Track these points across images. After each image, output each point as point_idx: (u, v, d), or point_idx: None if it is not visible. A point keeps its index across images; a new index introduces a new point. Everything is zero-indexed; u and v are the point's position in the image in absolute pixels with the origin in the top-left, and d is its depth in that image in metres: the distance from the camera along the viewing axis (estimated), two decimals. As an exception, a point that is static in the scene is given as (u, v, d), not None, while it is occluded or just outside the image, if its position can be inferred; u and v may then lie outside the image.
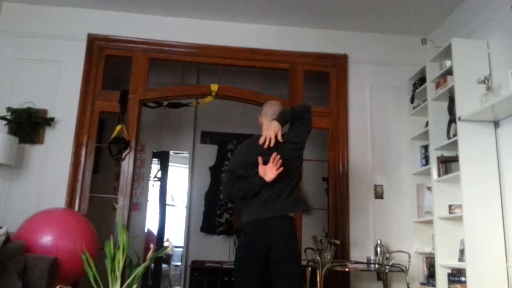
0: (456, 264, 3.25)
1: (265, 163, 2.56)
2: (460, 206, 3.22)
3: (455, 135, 3.34)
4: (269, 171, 2.50)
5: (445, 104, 3.55)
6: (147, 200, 6.01)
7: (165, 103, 4.35)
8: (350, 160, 4.06)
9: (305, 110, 2.69)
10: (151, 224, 6.39)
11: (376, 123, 4.18)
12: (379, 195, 4.04)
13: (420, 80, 4.00)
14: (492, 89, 3.13)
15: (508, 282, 2.98)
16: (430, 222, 3.67)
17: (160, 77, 4.91)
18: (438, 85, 3.61)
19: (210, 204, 5.79)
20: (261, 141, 2.58)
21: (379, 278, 3.84)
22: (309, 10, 3.99)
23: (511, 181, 3.07)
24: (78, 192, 3.76)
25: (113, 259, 2.82)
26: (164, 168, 6.62)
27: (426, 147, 3.88)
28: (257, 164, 2.56)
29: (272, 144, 2.54)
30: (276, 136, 2.57)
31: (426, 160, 3.88)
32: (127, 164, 3.88)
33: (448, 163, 3.51)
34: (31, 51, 3.97)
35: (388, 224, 3.98)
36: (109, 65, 4.13)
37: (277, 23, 4.24)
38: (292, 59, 4.23)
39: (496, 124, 3.22)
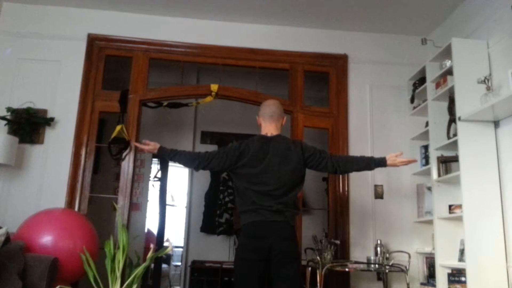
0: (456, 264, 3.25)
1: (261, 172, 2.55)
2: (460, 206, 3.22)
3: (455, 135, 3.34)
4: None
5: (445, 104, 3.55)
6: (147, 200, 6.00)
7: (165, 103, 4.35)
8: (350, 160, 4.05)
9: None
10: (151, 224, 6.38)
11: (376, 123, 4.18)
12: (379, 195, 4.04)
13: (420, 80, 4.00)
14: (492, 89, 3.12)
15: (508, 282, 2.98)
16: (430, 222, 3.67)
17: (160, 77, 4.90)
18: (438, 85, 3.61)
19: (210, 204, 5.79)
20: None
21: (379, 278, 3.84)
22: (309, 10, 3.99)
23: (511, 181, 3.07)
24: (78, 192, 3.76)
25: (113, 259, 2.83)
26: (164, 168, 6.60)
27: (426, 147, 3.88)
28: (249, 162, 2.57)
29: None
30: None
31: (426, 160, 3.88)
32: (127, 164, 3.88)
33: (448, 163, 3.51)
34: (31, 51, 3.97)
35: (388, 224, 3.98)
36: (109, 65, 4.13)
37: (277, 23, 4.24)
38: (292, 59, 4.23)
39: (496, 124, 3.22)
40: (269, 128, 2.71)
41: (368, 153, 4.07)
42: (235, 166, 2.62)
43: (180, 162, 2.82)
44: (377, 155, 3.98)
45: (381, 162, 2.70)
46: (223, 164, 2.64)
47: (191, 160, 2.75)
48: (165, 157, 2.85)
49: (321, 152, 2.68)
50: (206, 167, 2.71)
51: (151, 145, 2.82)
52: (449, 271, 3.30)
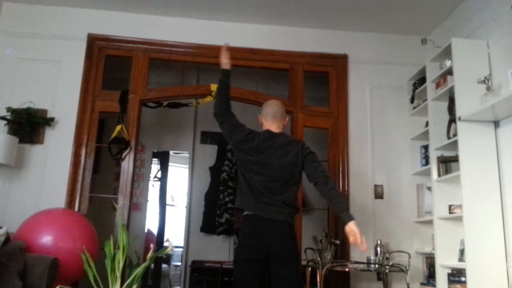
0: (456, 264, 3.25)
1: (259, 161, 2.56)
2: (460, 206, 3.22)
3: (455, 135, 3.34)
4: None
5: (445, 104, 3.55)
6: (147, 200, 6.01)
7: (165, 103, 4.35)
8: (350, 160, 4.06)
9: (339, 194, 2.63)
10: (151, 224, 6.39)
11: (376, 123, 4.18)
12: (379, 195, 4.04)
13: (420, 80, 4.00)
14: (492, 89, 3.13)
15: (508, 282, 2.98)
16: (430, 222, 3.66)
17: (160, 77, 4.90)
18: (438, 85, 3.61)
19: (210, 204, 5.79)
20: (360, 248, 2.44)
21: (379, 278, 3.84)
22: (309, 10, 3.99)
23: (511, 181, 3.07)
24: (78, 192, 3.76)
25: (113, 259, 2.83)
26: (164, 168, 6.62)
27: (426, 147, 3.88)
28: (250, 150, 2.60)
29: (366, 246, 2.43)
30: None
31: (426, 160, 3.88)
32: (127, 164, 3.88)
33: (448, 163, 3.51)
34: (31, 51, 3.97)
35: (388, 224, 3.98)
36: (109, 65, 4.13)
37: (277, 23, 4.24)
38: (292, 59, 4.23)
39: (496, 124, 3.22)
40: (270, 128, 2.73)
41: (368, 153, 4.11)
42: (237, 147, 2.68)
43: (217, 94, 2.87)
44: (377, 155, 4.10)
45: (344, 215, 2.46)
46: (229, 132, 2.73)
47: (222, 104, 2.81)
48: (221, 77, 2.88)
49: (319, 160, 2.65)
50: (220, 122, 2.78)
51: (227, 62, 2.93)
52: (449, 271, 3.30)
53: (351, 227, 2.42)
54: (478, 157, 3.17)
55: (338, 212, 2.52)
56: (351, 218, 2.45)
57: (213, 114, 2.81)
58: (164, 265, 6.51)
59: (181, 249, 6.15)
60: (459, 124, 3.22)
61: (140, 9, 4.09)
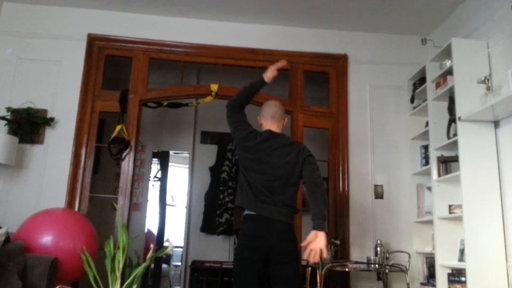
0: (456, 264, 3.26)
1: (260, 160, 2.57)
2: (460, 206, 3.22)
3: (455, 135, 3.34)
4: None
5: (445, 104, 3.55)
6: (147, 200, 6.01)
7: (165, 103, 4.35)
8: (350, 160, 4.06)
9: (324, 198, 2.51)
10: (151, 224, 6.39)
11: (376, 123, 4.18)
12: (379, 195, 4.04)
13: (420, 80, 4.00)
14: (492, 89, 3.13)
15: (508, 282, 2.98)
16: (430, 222, 3.66)
17: (160, 77, 4.90)
18: (438, 85, 3.61)
19: (210, 204, 5.79)
20: (305, 256, 2.40)
21: (379, 278, 3.84)
22: (309, 10, 3.99)
23: (511, 181, 3.07)
24: (78, 192, 3.76)
25: (113, 259, 2.83)
26: (164, 168, 6.62)
27: (426, 147, 3.88)
28: (251, 149, 2.62)
29: (317, 260, 2.37)
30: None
31: (426, 160, 3.88)
32: (127, 164, 3.88)
33: (448, 163, 3.51)
34: (31, 51, 3.97)
35: (388, 224, 3.98)
36: (109, 65, 4.13)
37: (277, 23, 4.24)
38: (292, 59, 4.22)
39: (496, 124, 3.22)
40: (270, 128, 2.74)
41: (368, 153, 4.11)
42: (239, 144, 2.70)
43: (242, 92, 2.91)
44: (377, 155, 4.11)
45: (321, 222, 2.38)
46: (234, 128, 2.75)
47: (238, 102, 2.85)
48: (256, 84, 2.93)
49: (317, 165, 2.63)
50: (229, 116, 2.81)
51: (272, 77, 2.96)
52: (449, 271, 3.30)
53: (320, 236, 2.34)
54: (478, 157, 3.17)
55: (317, 217, 2.39)
56: (325, 229, 2.41)
57: (226, 105, 2.84)
58: (164, 265, 6.51)
59: (181, 249, 6.15)
60: (459, 124, 3.22)
61: (140, 9, 4.09)
